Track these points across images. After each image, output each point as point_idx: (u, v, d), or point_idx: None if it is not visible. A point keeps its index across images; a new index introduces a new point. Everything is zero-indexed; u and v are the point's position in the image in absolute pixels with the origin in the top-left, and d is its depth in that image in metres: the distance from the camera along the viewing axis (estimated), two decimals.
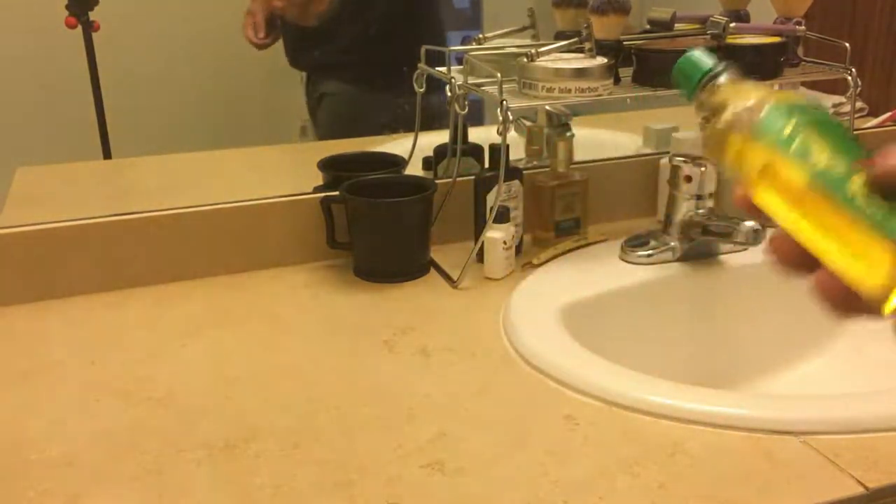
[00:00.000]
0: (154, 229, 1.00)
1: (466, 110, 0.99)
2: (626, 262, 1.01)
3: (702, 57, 0.49)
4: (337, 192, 1.02)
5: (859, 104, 1.22)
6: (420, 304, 0.95)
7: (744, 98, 0.44)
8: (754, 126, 0.43)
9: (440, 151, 1.13)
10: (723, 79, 0.48)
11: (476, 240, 1.02)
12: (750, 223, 0.94)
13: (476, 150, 1.13)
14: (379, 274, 1.02)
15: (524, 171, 1.08)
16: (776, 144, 0.42)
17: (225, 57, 1.14)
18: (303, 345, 0.87)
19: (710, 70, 0.49)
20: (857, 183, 0.40)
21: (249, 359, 0.85)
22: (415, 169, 1.14)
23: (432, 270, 1.04)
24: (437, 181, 1.05)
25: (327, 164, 1.10)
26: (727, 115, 0.44)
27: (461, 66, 0.99)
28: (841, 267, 0.40)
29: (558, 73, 0.93)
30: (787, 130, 0.42)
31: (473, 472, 0.66)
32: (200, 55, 1.12)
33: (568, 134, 1.11)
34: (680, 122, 1.25)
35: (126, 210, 1.00)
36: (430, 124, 1.12)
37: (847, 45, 1.07)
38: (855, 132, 0.46)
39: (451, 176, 1.08)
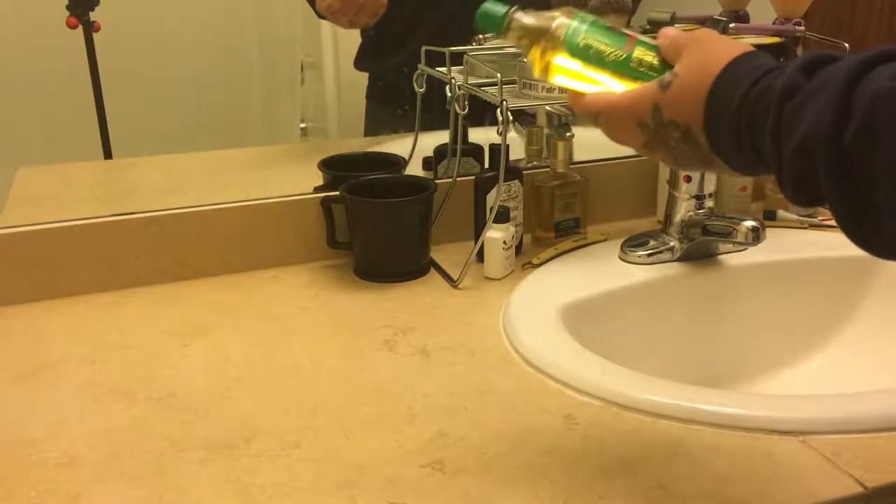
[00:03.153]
0: (154, 229, 1.00)
1: (467, 110, 1.00)
2: (626, 262, 1.01)
3: (492, 6, 0.63)
4: (337, 192, 1.02)
5: None
6: (420, 304, 0.95)
7: (548, 20, 0.60)
8: (561, 36, 0.60)
9: (440, 151, 1.13)
10: (518, 14, 0.62)
11: (476, 240, 1.02)
12: (749, 223, 0.94)
13: (476, 150, 1.13)
14: (379, 274, 1.02)
15: (524, 171, 1.08)
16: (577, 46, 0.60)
17: (225, 57, 1.14)
18: (303, 345, 0.87)
19: (506, 12, 0.62)
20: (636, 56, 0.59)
21: (250, 359, 0.85)
22: (415, 169, 1.14)
23: (432, 270, 1.04)
24: (437, 181, 1.05)
25: (327, 164, 1.10)
26: (551, 30, 0.60)
27: (461, 66, 1.00)
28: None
29: None
30: (581, 38, 0.60)
31: (473, 472, 0.66)
32: (201, 55, 1.12)
33: (568, 134, 1.11)
34: None
35: (126, 210, 1.00)
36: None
37: (846, 45, 1.07)
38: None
39: (452, 176, 1.08)
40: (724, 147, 0.54)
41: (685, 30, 0.60)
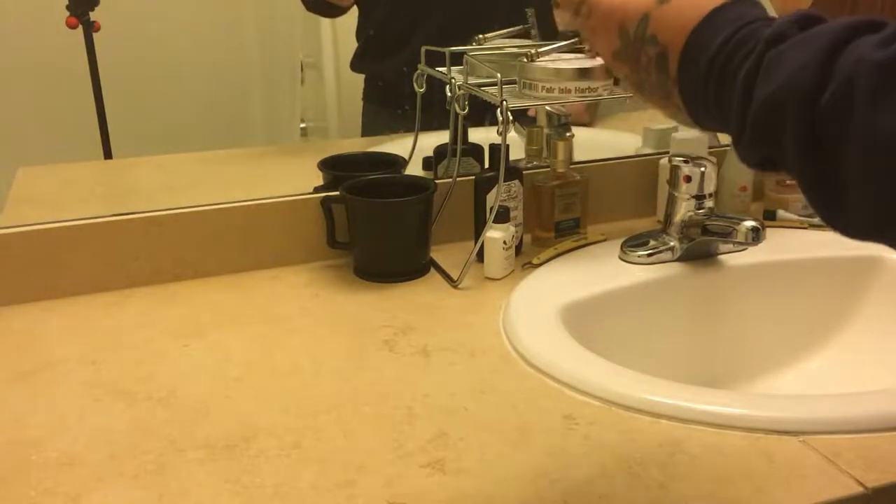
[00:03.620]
0: (154, 229, 1.00)
1: (467, 110, 1.00)
2: (626, 261, 1.01)
3: None
4: (337, 192, 1.02)
5: None
6: (420, 304, 0.95)
7: None
8: None
9: (440, 151, 1.13)
10: None
11: (476, 240, 1.02)
12: (749, 223, 0.94)
13: (476, 150, 1.13)
14: (379, 274, 1.02)
15: (524, 171, 1.08)
16: None
17: (225, 57, 1.14)
18: (303, 345, 0.87)
19: None
20: None
21: (250, 358, 0.85)
22: (415, 169, 1.14)
23: (432, 270, 1.04)
24: (437, 181, 1.05)
25: (327, 164, 1.10)
26: None
27: (461, 66, 1.00)
28: None
29: (558, 73, 0.93)
30: None
31: (473, 472, 0.66)
32: (201, 55, 1.12)
33: (568, 134, 1.11)
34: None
35: (126, 210, 1.00)
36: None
37: None
38: None
39: (452, 176, 1.08)
40: (691, 83, 0.52)
41: None
